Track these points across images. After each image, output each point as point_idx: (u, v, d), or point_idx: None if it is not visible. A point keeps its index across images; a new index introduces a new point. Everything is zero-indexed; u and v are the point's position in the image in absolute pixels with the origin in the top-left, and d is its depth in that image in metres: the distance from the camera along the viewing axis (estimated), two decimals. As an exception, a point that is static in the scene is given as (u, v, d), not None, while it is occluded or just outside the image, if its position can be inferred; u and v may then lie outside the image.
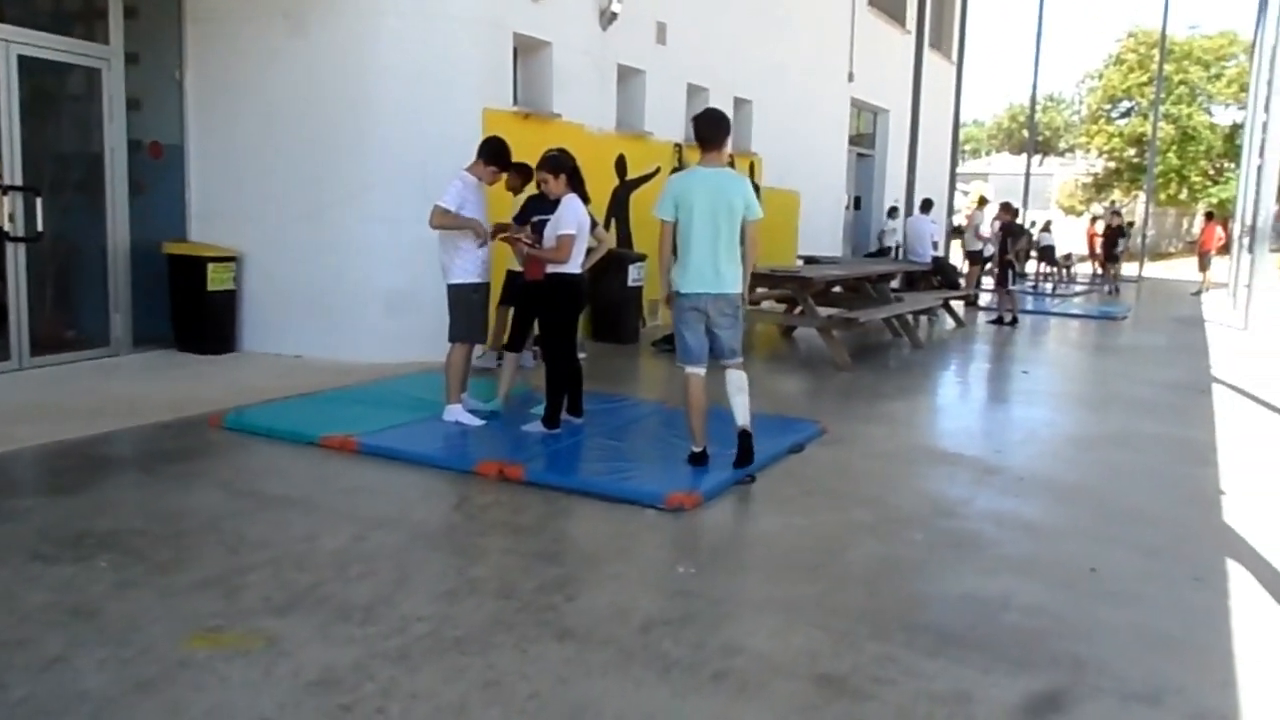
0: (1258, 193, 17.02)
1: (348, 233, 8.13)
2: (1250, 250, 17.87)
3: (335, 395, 6.77)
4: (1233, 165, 37.76)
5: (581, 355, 9.02)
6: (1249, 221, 21.20)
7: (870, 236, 19.10)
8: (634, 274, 9.92)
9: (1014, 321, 13.22)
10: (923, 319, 12.89)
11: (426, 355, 7.38)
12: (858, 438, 6.31)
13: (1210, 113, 40.64)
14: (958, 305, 13.83)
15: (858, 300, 11.09)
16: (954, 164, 23.59)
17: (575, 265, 5.88)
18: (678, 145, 11.66)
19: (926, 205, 14.23)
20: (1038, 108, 39.09)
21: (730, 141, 5.28)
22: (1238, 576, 4.08)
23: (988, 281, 16.99)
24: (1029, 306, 16.17)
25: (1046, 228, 23.88)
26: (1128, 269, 25.89)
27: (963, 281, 15.61)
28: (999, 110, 59.06)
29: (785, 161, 14.22)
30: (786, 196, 14.47)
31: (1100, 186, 43.79)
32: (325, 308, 8.25)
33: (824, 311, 9.49)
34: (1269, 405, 7.98)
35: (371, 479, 5.00)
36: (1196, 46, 40.23)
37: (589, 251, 6.25)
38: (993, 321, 13.36)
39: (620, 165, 10.66)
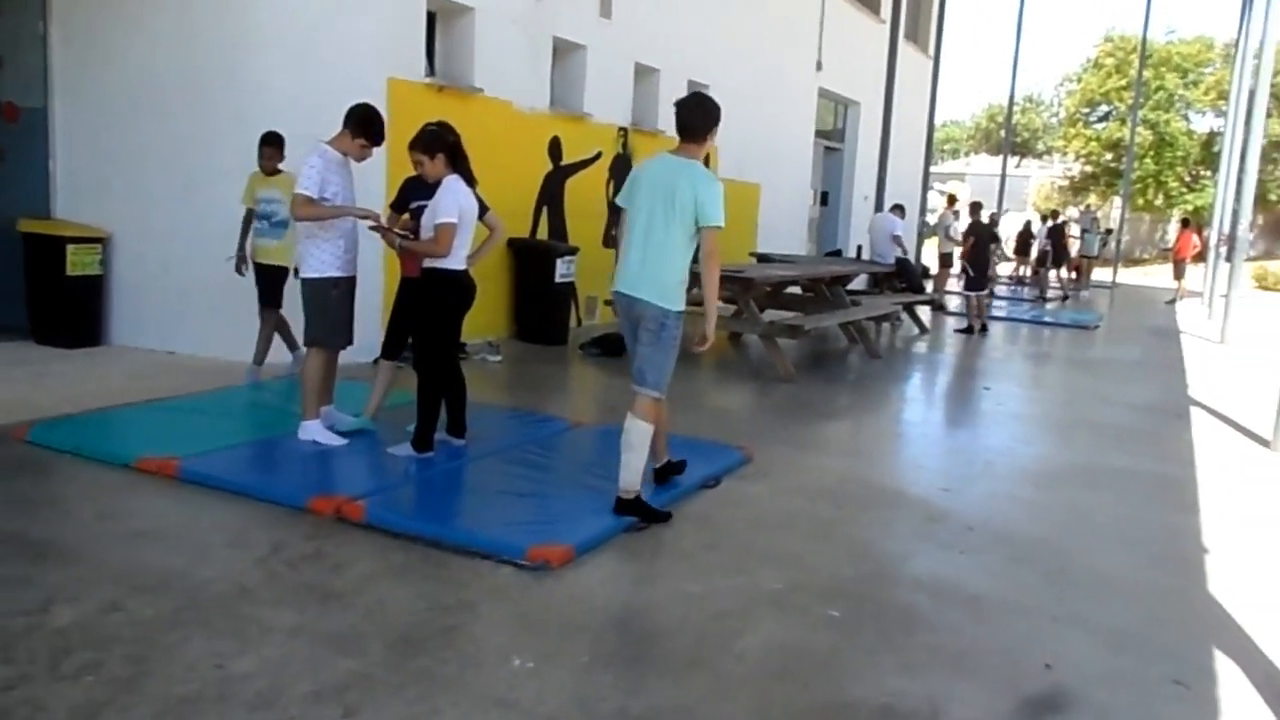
0: (1238, 200, 16.34)
1: (228, 213, 7.13)
2: (1228, 259, 17.21)
3: (182, 404, 5.81)
4: (1209, 172, 37.29)
5: (495, 358, 8.16)
6: (1227, 229, 20.58)
7: (838, 233, 18.23)
8: (562, 268, 9.01)
9: (983, 330, 12.40)
10: (885, 325, 12.08)
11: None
12: (787, 468, 5.44)
13: (1188, 119, 40.14)
14: (923, 311, 13.03)
15: (815, 304, 10.24)
16: (928, 162, 22.77)
17: (458, 259, 4.96)
18: (622, 129, 10.75)
19: (897, 210, 13.35)
20: (1016, 109, 38.45)
21: (713, 136, 4.44)
22: (1227, 676, 3.23)
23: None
24: (999, 313, 15.39)
25: (1053, 221, 21.50)
26: (1102, 274, 25.25)
27: (930, 285, 14.80)
28: (978, 110, 58.44)
29: (744, 152, 13.31)
30: (744, 189, 13.58)
31: (1077, 190, 43.23)
32: (202, 297, 7.29)
33: (770, 316, 8.62)
34: (1252, 434, 7.19)
35: (173, 518, 4.07)
36: (1174, 53, 39.67)
37: (483, 241, 5.36)
38: (961, 330, 12.54)
39: (554, 148, 9.73)
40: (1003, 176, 26.20)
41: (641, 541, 4.13)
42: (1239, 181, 17.34)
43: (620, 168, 10.77)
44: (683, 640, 3.24)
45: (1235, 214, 14.02)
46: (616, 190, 10.85)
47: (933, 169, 26.22)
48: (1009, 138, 30.15)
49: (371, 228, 5.09)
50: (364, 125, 5.01)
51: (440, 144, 4.94)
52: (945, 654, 3.26)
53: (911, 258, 16.80)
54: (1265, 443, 6.85)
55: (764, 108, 14.03)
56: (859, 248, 15.26)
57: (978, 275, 12.50)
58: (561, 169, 9.84)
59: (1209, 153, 37.53)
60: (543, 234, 9.66)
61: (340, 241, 5.08)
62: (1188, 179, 39.19)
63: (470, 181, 5.04)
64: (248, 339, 7.15)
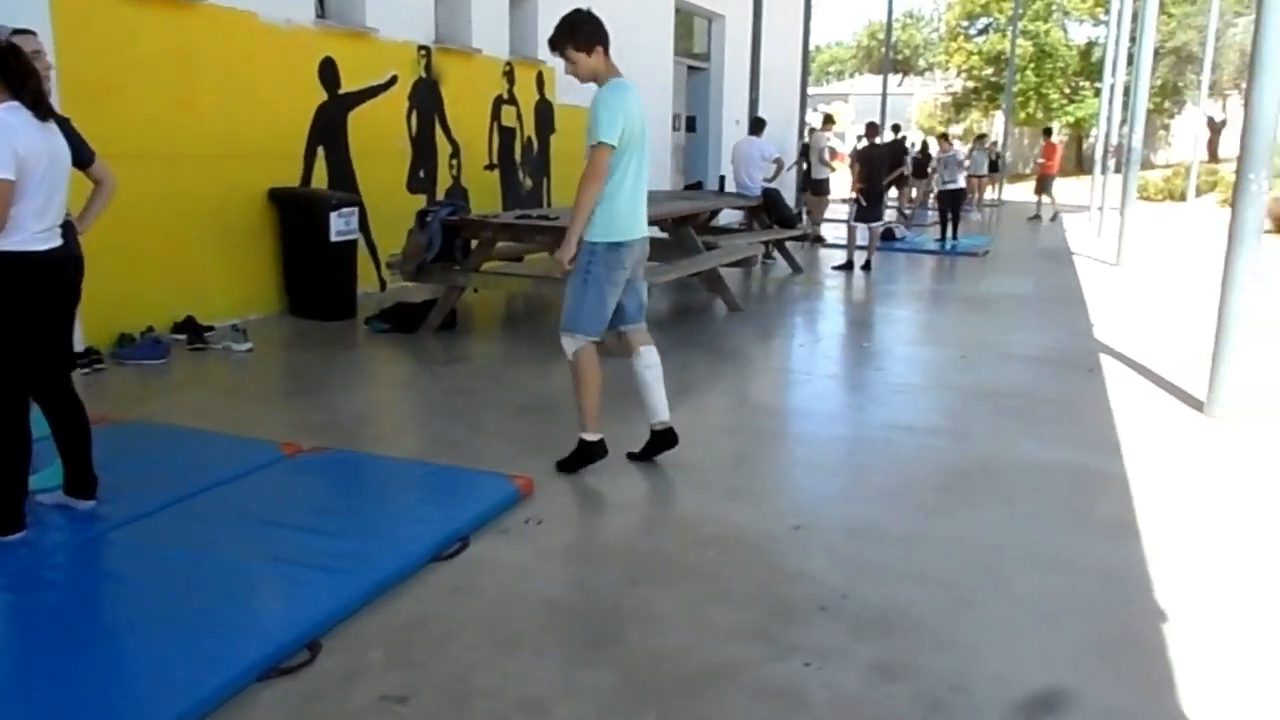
0: (1126, 109, 15.28)
1: None
2: (1118, 170, 16.26)
3: None
4: (1088, 83, 36.81)
5: (242, 347, 6.31)
6: (1115, 140, 19.69)
7: (708, 162, 16.58)
8: (340, 224, 7.18)
9: (866, 266, 11.01)
10: (753, 267, 10.58)
11: None
12: (576, 506, 3.86)
13: (1065, 29, 39.62)
14: (796, 248, 11.57)
15: (676, 249, 8.61)
16: (804, 81, 21.27)
17: (25, 234, 3.17)
18: (424, 48, 8.85)
19: (756, 126, 11.80)
20: (896, 24, 37.24)
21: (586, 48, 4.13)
22: None
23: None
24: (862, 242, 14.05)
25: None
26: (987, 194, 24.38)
27: (805, 217, 13.37)
28: (860, 29, 57.28)
29: (586, 73, 11.50)
30: (588, 116, 11.80)
31: (959, 106, 42.56)
32: None
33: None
34: (1178, 392, 5.89)
35: None
36: (1051, -40, 38.94)
37: (87, 202, 3.60)
38: (839, 267, 11.13)
39: (328, 73, 7.81)
40: (884, 95, 24.87)
41: (294, 690, 2.48)
42: (1127, 89, 16.31)
43: (423, 94, 8.91)
44: None
45: (1130, 122, 12.88)
46: (421, 121, 9.00)
47: (817, 91, 24.84)
48: (889, 55, 28.82)
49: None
50: None
51: (-25, 58, 3.10)
52: None
53: (789, 190, 15.38)
54: (1196, 404, 5.54)
55: (610, 21, 12.17)
56: (721, 178, 13.68)
57: (870, 205, 11.06)
58: (341, 99, 7.93)
59: (1088, 63, 37.06)
60: (321, 182, 7.78)
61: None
62: (1068, 90, 38.73)
63: (45, 113, 3.22)
64: None
